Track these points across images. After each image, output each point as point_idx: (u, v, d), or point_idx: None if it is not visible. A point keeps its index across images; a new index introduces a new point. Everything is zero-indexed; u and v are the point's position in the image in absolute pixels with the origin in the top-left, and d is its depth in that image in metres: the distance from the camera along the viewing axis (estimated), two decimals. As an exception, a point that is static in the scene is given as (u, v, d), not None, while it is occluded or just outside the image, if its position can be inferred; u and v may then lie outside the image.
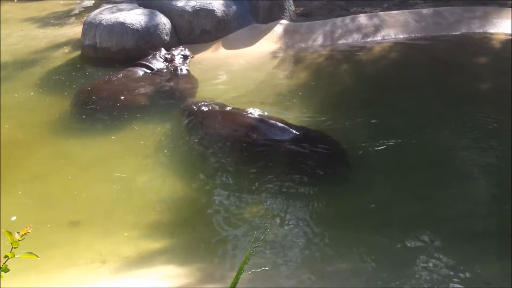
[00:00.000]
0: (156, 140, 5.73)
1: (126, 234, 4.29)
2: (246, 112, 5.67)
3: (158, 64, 7.30)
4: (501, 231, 4.25)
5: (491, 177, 4.94)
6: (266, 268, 3.67)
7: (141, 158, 5.42)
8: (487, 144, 5.42)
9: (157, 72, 7.18)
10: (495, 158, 5.20)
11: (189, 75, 7.31)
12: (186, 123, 5.89)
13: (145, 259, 4.06)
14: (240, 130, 5.38)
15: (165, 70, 7.25)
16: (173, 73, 7.24)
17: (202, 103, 6.10)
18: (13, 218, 4.42)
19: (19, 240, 1.83)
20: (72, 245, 4.23)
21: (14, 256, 1.80)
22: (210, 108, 5.91)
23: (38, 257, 1.85)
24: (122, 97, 6.46)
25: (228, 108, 5.90)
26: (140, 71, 7.11)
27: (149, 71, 7.15)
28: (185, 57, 7.56)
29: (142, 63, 7.26)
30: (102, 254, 4.09)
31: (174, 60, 7.38)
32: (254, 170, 4.99)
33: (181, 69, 7.28)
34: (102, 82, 6.86)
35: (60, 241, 4.27)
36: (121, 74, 6.95)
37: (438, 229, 4.25)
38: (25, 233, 1.83)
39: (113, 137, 5.78)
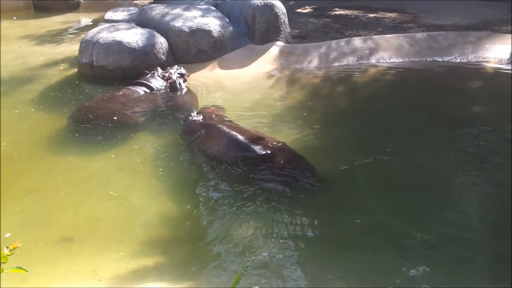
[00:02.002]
0: (153, 158, 5.74)
1: (121, 253, 4.28)
2: (240, 129, 5.75)
3: (156, 82, 7.35)
4: (497, 255, 4.25)
5: (486, 200, 4.95)
6: (256, 287, 3.67)
7: (137, 176, 5.42)
8: (481, 167, 5.43)
9: (156, 91, 7.23)
10: (490, 181, 5.21)
11: (188, 90, 7.40)
12: (183, 139, 5.95)
13: (138, 276, 4.04)
14: (233, 149, 5.41)
15: (163, 89, 7.29)
16: (173, 89, 7.30)
17: (200, 117, 6.19)
18: (7, 235, 4.41)
19: (8, 255, 1.84)
20: (64, 262, 4.21)
21: (3, 271, 1.81)
22: (207, 124, 5.96)
23: (27, 271, 1.85)
24: (121, 116, 6.47)
25: (222, 125, 5.93)
26: (139, 90, 7.14)
27: (148, 90, 7.20)
28: (181, 75, 7.61)
29: (141, 82, 7.31)
30: (95, 271, 4.08)
31: (172, 78, 7.43)
32: (247, 189, 5.00)
33: (180, 84, 7.35)
34: (101, 100, 6.87)
35: (53, 258, 4.26)
36: (120, 92, 6.98)
37: (432, 252, 4.25)
38: (14, 248, 1.84)
39: (112, 155, 5.78)
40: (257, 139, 5.47)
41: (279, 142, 5.52)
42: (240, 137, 5.49)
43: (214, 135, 5.70)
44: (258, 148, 5.31)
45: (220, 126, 5.82)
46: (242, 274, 2.30)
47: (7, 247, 1.84)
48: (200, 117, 6.19)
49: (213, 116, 6.25)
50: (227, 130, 5.67)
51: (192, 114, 6.41)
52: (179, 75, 7.56)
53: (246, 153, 5.30)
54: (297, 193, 4.97)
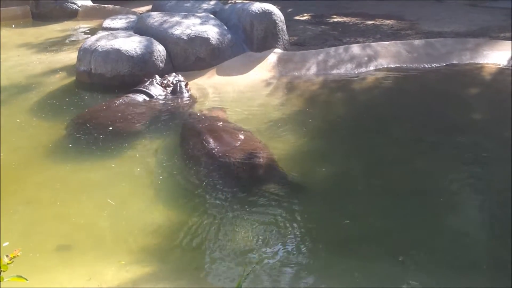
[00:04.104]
0: (153, 166, 5.72)
1: (122, 262, 4.26)
2: (224, 132, 5.84)
3: (155, 90, 7.34)
4: (496, 261, 4.25)
5: (485, 205, 4.95)
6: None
7: (136, 184, 5.40)
8: (479, 173, 5.45)
9: (155, 98, 7.23)
10: (488, 187, 5.21)
11: (190, 94, 7.48)
12: (181, 146, 5.95)
13: (136, 284, 4.03)
14: (228, 154, 5.40)
15: (162, 96, 7.29)
16: (174, 91, 7.34)
17: (197, 120, 6.21)
18: (5, 244, 4.40)
19: (8, 264, 1.82)
20: (63, 270, 4.20)
21: (3, 279, 1.79)
22: (202, 129, 5.96)
23: (27, 280, 1.84)
24: (120, 124, 6.46)
25: (205, 129, 5.94)
26: (139, 98, 7.14)
27: (147, 98, 7.19)
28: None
29: (140, 90, 7.30)
30: (92, 279, 4.06)
31: (171, 85, 7.44)
32: (244, 196, 4.99)
33: (180, 87, 7.36)
34: (100, 108, 6.85)
35: (51, 266, 4.24)
36: (120, 100, 6.97)
37: (430, 257, 4.25)
38: (14, 257, 1.82)
39: (112, 164, 5.76)
40: (239, 145, 5.53)
41: (259, 147, 5.58)
42: (220, 143, 5.55)
43: (200, 138, 5.73)
44: (240, 155, 5.35)
45: (202, 130, 5.87)
46: (242, 281, 2.29)
47: (7, 256, 1.82)
48: (197, 121, 6.21)
49: (210, 119, 6.26)
50: (208, 134, 5.71)
51: (188, 118, 6.42)
52: (177, 82, 7.57)
53: (229, 160, 5.33)
54: (294, 199, 4.98)
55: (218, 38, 8.71)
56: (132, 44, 8.21)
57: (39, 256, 4.32)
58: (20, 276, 1.85)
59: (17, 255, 1.85)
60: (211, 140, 5.58)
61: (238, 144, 5.55)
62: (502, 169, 5.44)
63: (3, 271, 1.80)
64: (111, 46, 8.13)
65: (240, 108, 7.26)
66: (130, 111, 6.78)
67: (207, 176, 5.30)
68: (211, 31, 8.73)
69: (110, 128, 6.34)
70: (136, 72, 8.01)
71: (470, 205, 5.00)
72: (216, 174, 5.27)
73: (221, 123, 6.24)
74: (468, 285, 3.95)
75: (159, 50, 8.33)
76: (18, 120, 6.91)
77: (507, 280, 3.94)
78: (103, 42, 8.29)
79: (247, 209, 4.82)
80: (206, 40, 8.59)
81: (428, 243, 4.44)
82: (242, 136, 5.75)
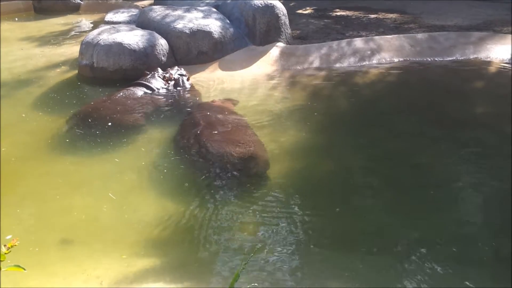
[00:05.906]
0: (155, 160, 5.71)
1: (124, 256, 4.25)
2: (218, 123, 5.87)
3: (157, 83, 7.34)
4: (497, 255, 4.24)
5: (486, 200, 4.94)
6: (256, 284, 3.66)
7: (137, 178, 5.40)
8: (482, 168, 5.42)
9: (156, 91, 7.22)
10: (490, 182, 5.19)
11: (192, 87, 7.47)
12: (179, 140, 5.94)
13: (138, 277, 4.03)
14: (221, 149, 5.40)
15: (164, 89, 7.29)
16: (177, 85, 7.33)
17: (199, 114, 6.21)
18: (8, 237, 4.39)
19: (5, 253, 1.81)
20: (65, 263, 4.19)
21: (0, 269, 1.79)
22: (199, 122, 5.96)
23: (25, 270, 1.83)
24: (121, 117, 6.45)
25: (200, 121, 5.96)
26: (139, 91, 7.13)
27: (148, 91, 7.19)
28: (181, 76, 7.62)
29: (141, 83, 7.30)
30: (94, 272, 4.06)
31: (173, 79, 7.43)
32: (246, 190, 4.99)
33: (183, 81, 7.35)
34: (102, 101, 6.84)
35: (53, 259, 4.24)
36: (120, 94, 6.96)
37: (432, 252, 4.23)
38: (12, 246, 1.82)
39: (115, 158, 5.75)
40: (233, 139, 5.53)
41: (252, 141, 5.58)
42: (213, 137, 5.56)
43: (195, 131, 5.75)
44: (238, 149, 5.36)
45: (199, 122, 5.90)
46: (240, 272, 2.30)
47: (4, 245, 1.82)
48: (198, 113, 6.20)
49: (213, 111, 6.25)
50: (203, 128, 5.74)
51: (192, 109, 6.42)
52: (179, 76, 7.56)
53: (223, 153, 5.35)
54: (297, 193, 4.98)
55: (220, 32, 8.69)
56: (134, 38, 8.20)
57: (39, 250, 4.32)
58: (18, 266, 1.84)
59: (15, 245, 1.84)
60: (205, 134, 5.59)
61: (231, 139, 5.54)
62: (504, 164, 5.42)
63: (1, 261, 1.79)
64: (113, 40, 8.12)
65: (242, 102, 7.25)
66: (131, 104, 6.77)
67: (203, 170, 5.30)
68: (214, 24, 8.71)
69: (111, 122, 6.33)
70: (138, 66, 8.00)
71: (472, 199, 4.99)
72: (210, 168, 5.28)
73: (223, 115, 6.22)
74: (470, 280, 3.95)
75: (162, 44, 8.32)
76: (20, 114, 6.90)
77: (507, 273, 3.94)
78: (105, 35, 8.28)
79: (246, 203, 4.83)
80: (209, 34, 8.58)
81: (430, 238, 4.43)
82: (237, 130, 5.76)
